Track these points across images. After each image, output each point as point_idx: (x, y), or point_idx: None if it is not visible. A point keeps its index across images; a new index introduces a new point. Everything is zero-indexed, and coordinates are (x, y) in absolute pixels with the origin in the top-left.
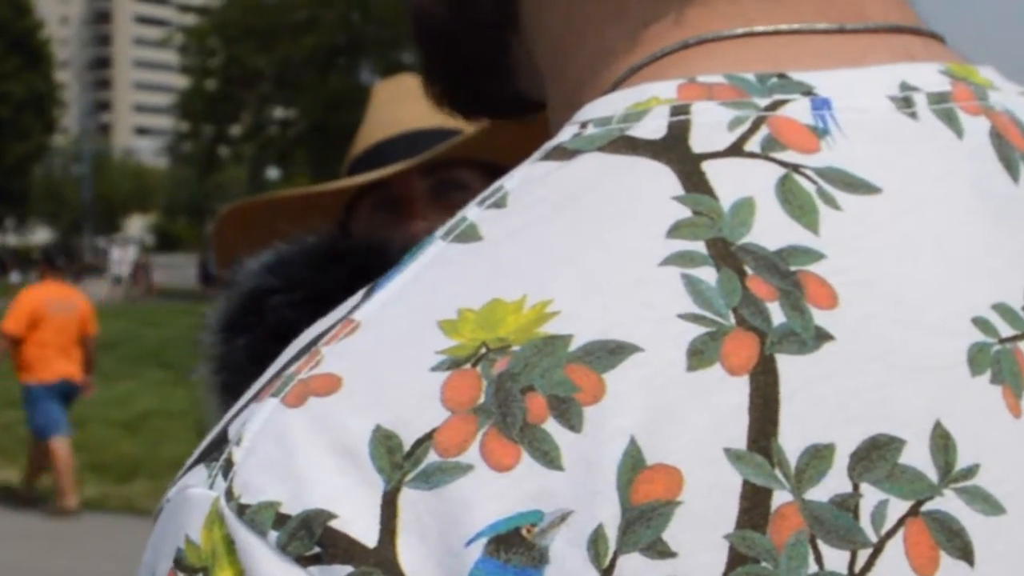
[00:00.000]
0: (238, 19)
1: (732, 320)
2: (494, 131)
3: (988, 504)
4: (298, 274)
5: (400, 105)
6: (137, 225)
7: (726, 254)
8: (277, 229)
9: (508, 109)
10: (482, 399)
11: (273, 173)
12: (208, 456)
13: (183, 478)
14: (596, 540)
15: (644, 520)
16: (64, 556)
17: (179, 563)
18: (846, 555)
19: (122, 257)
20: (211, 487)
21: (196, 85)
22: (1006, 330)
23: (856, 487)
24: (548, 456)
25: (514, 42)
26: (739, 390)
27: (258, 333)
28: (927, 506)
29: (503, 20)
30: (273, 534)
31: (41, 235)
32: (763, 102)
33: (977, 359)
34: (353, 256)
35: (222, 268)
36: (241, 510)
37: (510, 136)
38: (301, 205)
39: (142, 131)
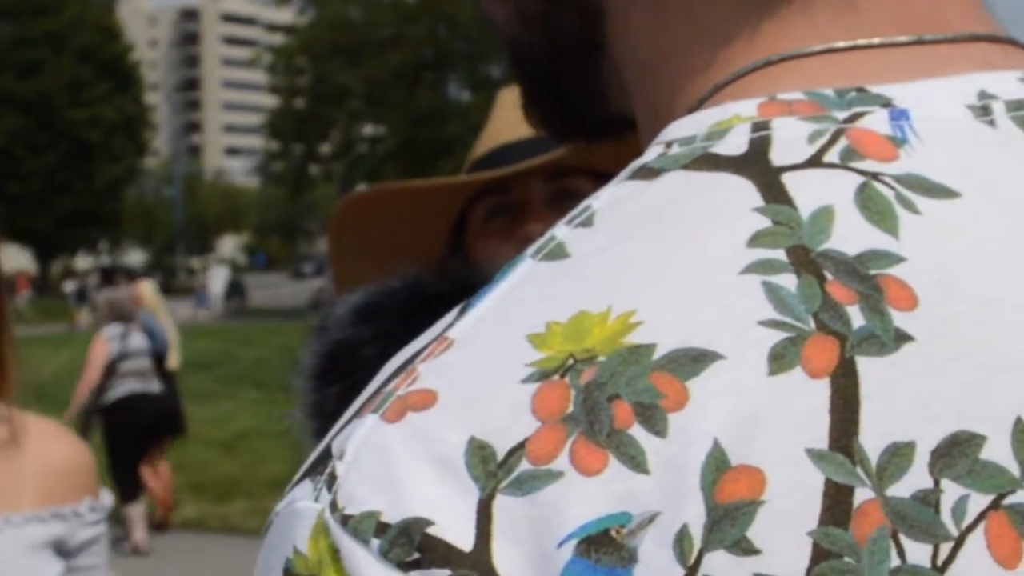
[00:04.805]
0: (325, 37)
1: (812, 325)
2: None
3: None
4: (387, 323)
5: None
6: (229, 245)
7: (806, 261)
8: (394, 226)
9: (604, 130)
10: (570, 408)
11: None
12: (313, 471)
13: (291, 492)
14: (681, 539)
15: (729, 519)
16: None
17: (288, 573)
18: (928, 548)
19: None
20: (316, 500)
21: (285, 104)
22: None
23: (937, 483)
24: (635, 460)
25: (603, 66)
26: (820, 392)
27: (349, 382)
28: (1009, 499)
29: (590, 45)
30: (375, 542)
31: (135, 257)
32: (842, 115)
33: None
34: (440, 300)
35: (336, 264)
36: (345, 520)
37: (632, 149)
38: (419, 202)
39: (232, 151)
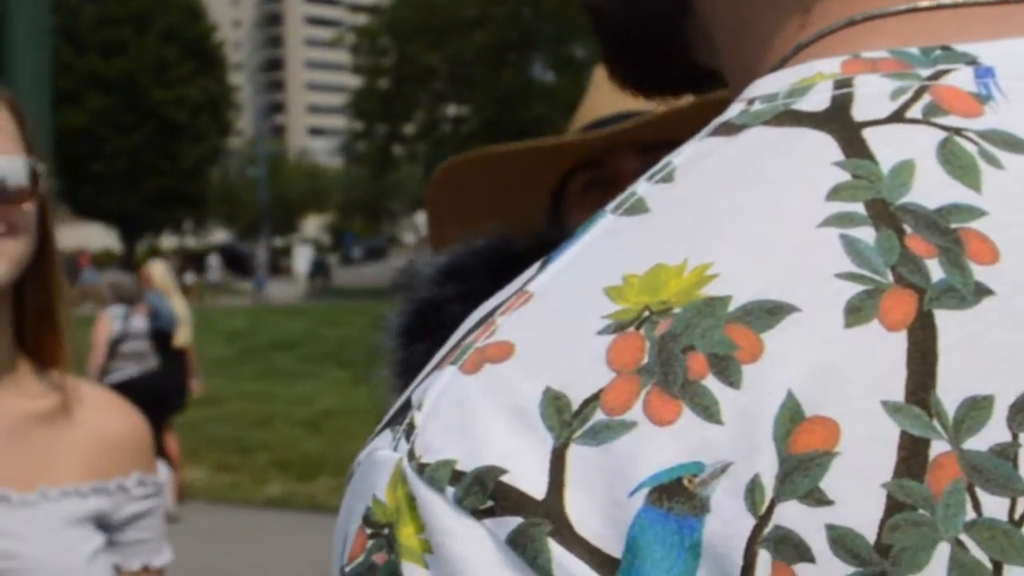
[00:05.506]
0: (409, 17)
1: (890, 278)
2: (706, 107)
3: None
4: (473, 282)
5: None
6: (313, 225)
7: (885, 214)
8: (489, 196)
9: (687, 84)
10: (645, 360)
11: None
12: (393, 421)
13: (372, 442)
14: (753, 490)
15: (802, 469)
16: (249, 553)
17: (367, 520)
18: (1005, 502)
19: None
20: (395, 449)
21: (369, 84)
22: None
23: (1015, 437)
24: (708, 411)
25: (688, 26)
26: (897, 345)
27: (437, 339)
28: None
29: (676, 12)
30: (450, 490)
31: (219, 236)
32: (926, 72)
33: None
34: (526, 258)
35: (432, 231)
36: (421, 469)
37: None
38: (515, 173)
39: (316, 132)
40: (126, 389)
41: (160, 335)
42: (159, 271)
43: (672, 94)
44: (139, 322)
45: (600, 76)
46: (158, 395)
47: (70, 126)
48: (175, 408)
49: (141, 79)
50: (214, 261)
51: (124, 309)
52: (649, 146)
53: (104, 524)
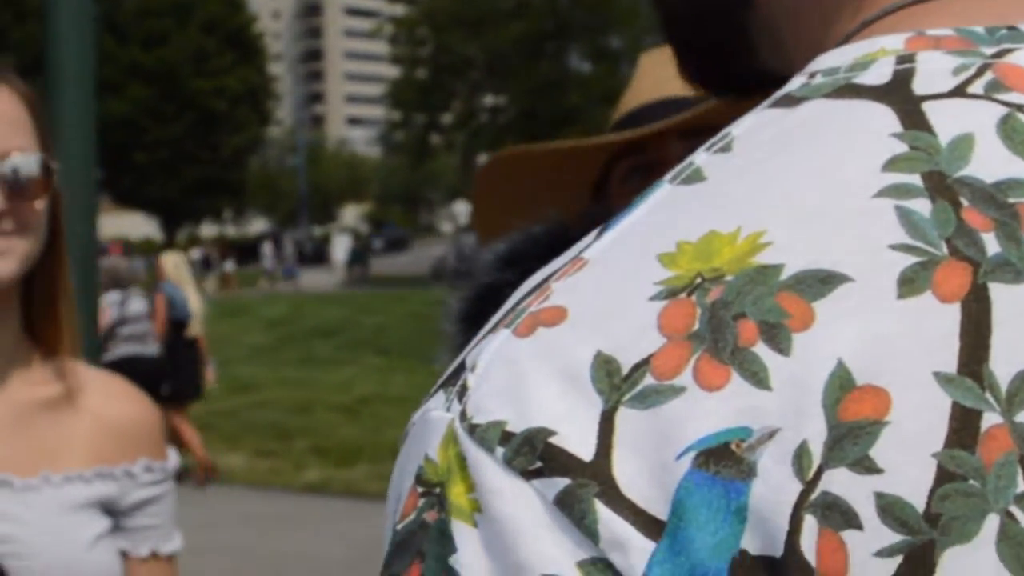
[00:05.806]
0: (447, 7)
1: (945, 250)
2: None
3: None
4: (531, 268)
5: (662, 72)
6: (352, 214)
7: (942, 187)
8: (534, 185)
9: (754, 86)
10: (696, 326)
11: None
12: (448, 383)
13: (426, 403)
14: (800, 455)
15: (852, 437)
16: (287, 538)
17: (419, 479)
18: None
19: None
20: (448, 410)
21: (407, 75)
22: None
23: None
24: (757, 376)
25: (750, 20)
26: (950, 317)
27: None
28: None
29: (735, 2)
30: (500, 450)
31: (258, 225)
32: (990, 51)
33: None
34: None
35: (478, 219)
36: (472, 429)
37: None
38: (559, 164)
39: (354, 121)
40: (118, 367)
41: (175, 324)
42: (170, 263)
43: (738, 94)
44: (136, 305)
45: (645, 62)
46: (153, 377)
47: (112, 116)
48: (190, 396)
49: (182, 70)
50: (268, 249)
51: (120, 295)
52: (693, 131)
53: (111, 510)
